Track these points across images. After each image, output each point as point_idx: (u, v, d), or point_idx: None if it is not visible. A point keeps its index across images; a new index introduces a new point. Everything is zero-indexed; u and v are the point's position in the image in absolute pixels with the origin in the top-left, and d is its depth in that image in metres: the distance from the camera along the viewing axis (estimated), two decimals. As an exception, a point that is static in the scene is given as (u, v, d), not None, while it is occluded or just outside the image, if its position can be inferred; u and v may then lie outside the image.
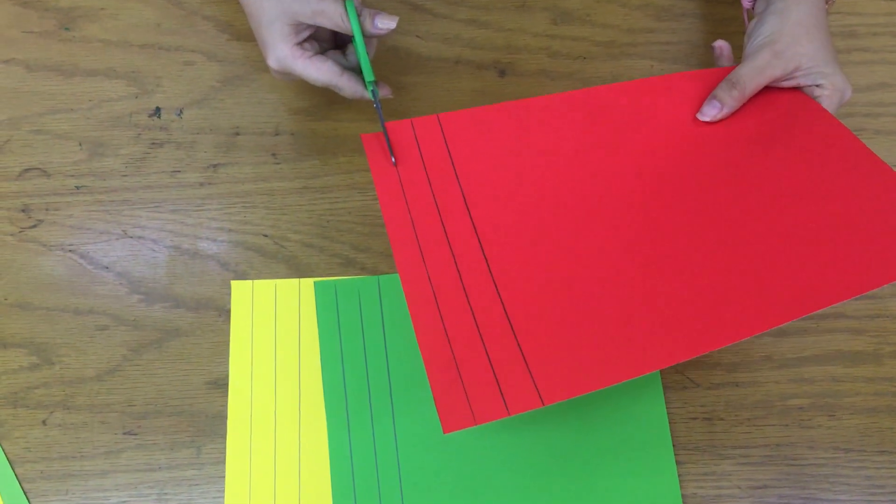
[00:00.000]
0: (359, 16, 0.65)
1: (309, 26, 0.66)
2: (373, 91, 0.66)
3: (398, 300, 0.71)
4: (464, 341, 0.56)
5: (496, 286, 0.59)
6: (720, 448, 0.68)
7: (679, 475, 0.66)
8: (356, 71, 0.68)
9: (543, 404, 0.52)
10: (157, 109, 0.76)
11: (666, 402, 0.68)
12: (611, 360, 0.55)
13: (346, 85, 0.67)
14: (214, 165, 0.74)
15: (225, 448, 0.66)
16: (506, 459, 0.66)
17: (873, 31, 0.81)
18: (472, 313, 0.57)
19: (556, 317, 0.57)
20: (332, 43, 0.71)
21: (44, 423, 0.67)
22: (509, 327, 0.57)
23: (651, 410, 0.68)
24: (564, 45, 0.80)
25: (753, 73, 0.66)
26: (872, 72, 0.80)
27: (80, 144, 0.74)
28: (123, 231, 0.72)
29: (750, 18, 0.73)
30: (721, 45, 0.71)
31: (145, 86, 0.76)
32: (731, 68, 0.68)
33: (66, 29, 0.78)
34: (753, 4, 0.73)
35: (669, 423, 0.68)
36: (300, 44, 0.66)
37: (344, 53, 0.70)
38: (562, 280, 0.59)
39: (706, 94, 0.67)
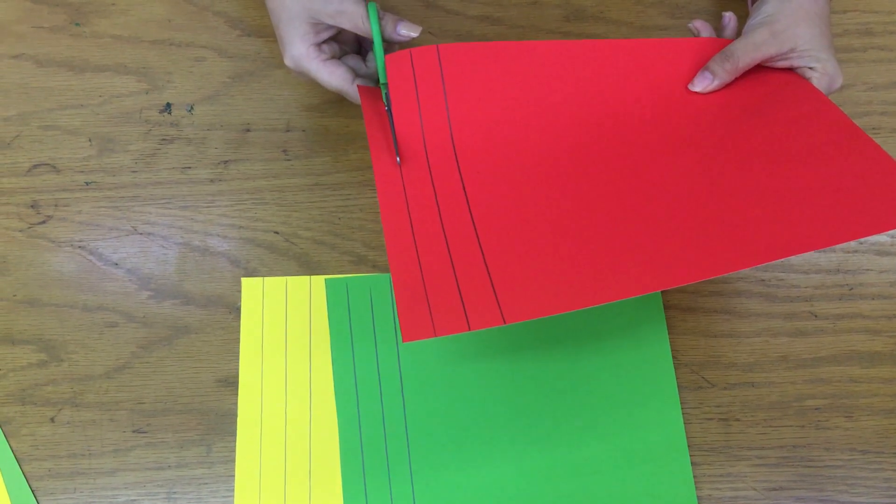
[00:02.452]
0: (380, 20, 0.65)
1: (329, 27, 0.66)
2: (386, 95, 0.65)
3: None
4: (432, 256, 0.57)
5: (469, 207, 0.60)
6: (736, 449, 0.67)
7: (694, 476, 0.66)
8: (372, 80, 0.68)
9: (504, 322, 0.53)
10: (168, 105, 0.75)
11: (681, 403, 0.68)
12: (575, 285, 0.55)
13: (356, 94, 0.66)
14: (225, 162, 0.74)
15: (235, 447, 0.66)
16: (521, 460, 0.65)
17: (889, 30, 0.80)
18: (444, 230, 0.59)
19: (526, 241, 0.58)
20: (354, 47, 0.71)
21: (52, 420, 0.66)
22: (478, 246, 0.58)
23: (666, 411, 0.67)
24: (578, 43, 0.79)
25: (748, 49, 0.66)
26: (888, 70, 0.79)
27: (90, 140, 0.74)
28: (133, 227, 0.72)
29: (753, 2, 0.73)
30: (730, 15, 0.71)
31: (156, 81, 0.76)
32: (729, 41, 0.68)
33: (77, 24, 0.77)
34: None
35: (684, 423, 0.67)
36: (318, 45, 0.66)
37: (364, 60, 0.70)
38: (535, 209, 0.61)
39: (703, 62, 0.67)
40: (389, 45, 0.68)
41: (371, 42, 0.66)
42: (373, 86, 0.68)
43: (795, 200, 0.57)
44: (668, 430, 0.67)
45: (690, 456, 0.66)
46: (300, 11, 0.65)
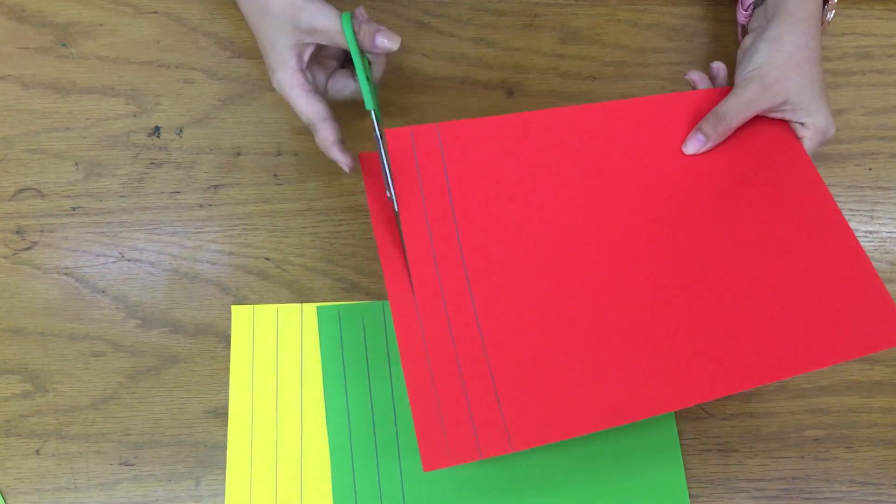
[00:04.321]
0: (357, 32, 0.63)
1: (310, 43, 0.65)
2: (375, 122, 0.63)
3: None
4: (446, 381, 0.58)
5: (479, 324, 0.60)
6: (734, 481, 0.66)
7: (693, 509, 0.65)
8: (339, 128, 0.66)
9: (512, 450, 0.55)
10: (157, 128, 0.74)
11: (679, 434, 0.67)
12: (583, 410, 0.56)
13: (324, 131, 0.65)
14: (215, 186, 0.72)
15: (224, 479, 0.64)
16: (516, 488, 0.64)
17: (888, 53, 0.80)
18: (456, 352, 0.59)
19: (534, 359, 0.59)
20: (340, 61, 0.70)
21: (37, 452, 0.65)
22: (488, 368, 0.58)
23: (664, 442, 0.66)
24: (573, 65, 0.78)
25: (740, 108, 0.66)
26: (887, 94, 0.78)
27: (77, 164, 0.72)
28: (121, 254, 0.70)
29: (744, 34, 0.72)
30: (718, 66, 0.71)
31: (144, 104, 0.74)
32: (725, 90, 0.68)
33: (64, 45, 0.76)
34: (749, 21, 0.72)
35: (683, 455, 0.66)
36: (303, 71, 0.65)
37: (352, 75, 0.69)
38: (544, 321, 0.60)
39: (697, 118, 0.67)
40: (377, 57, 0.67)
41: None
42: (338, 134, 0.66)
43: (787, 320, 0.59)
44: (665, 461, 0.66)
45: (689, 488, 0.65)
46: (279, 36, 0.64)
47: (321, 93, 0.67)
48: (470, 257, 0.62)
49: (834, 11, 0.71)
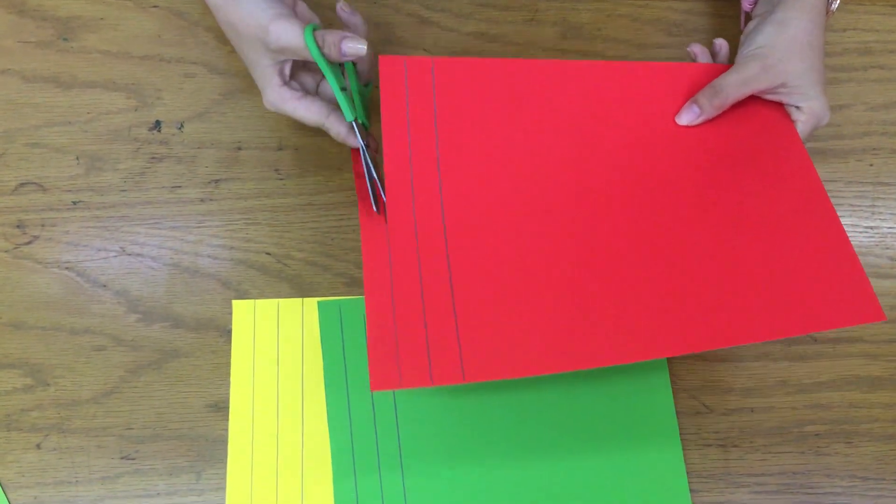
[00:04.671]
0: (322, 45, 0.61)
1: (286, 60, 0.65)
2: (356, 130, 0.64)
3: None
4: (406, 304, 0.58)
5: (448, 253, 0.60)
6: (735, 476, 0.66)
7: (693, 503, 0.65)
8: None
9: (465, 380, 0.55)
10: (158, 123, 0.74)
11: (679, 429, 0.67)
12: (541, 350, 0.57)
13: (333, 125, 0.65)
14: (216, 181, 0.72)
15: (225, 473, 0.64)
16: (517, 485, 0.64)
17: (889, 49, 0.80)
18: (420, 277, 0.59)
19: (499, 298, 0.59)
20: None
21: (38, 446, 0.65)
22: (450, 297, 0.58)
23: (664, 437, 0.66)
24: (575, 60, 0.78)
25: (738, 83, 0.66)
26: (888, 90, 0.78)
27: (78, 158, 0.72)
28: (122, 248, 0.70)
29: (747, 20, 0.72)
30: (721, 42, 0.71)
31: (145, 98, 0.74)
32: (725, 67, 0.68)
33: (65, 39, 0.75)
34: (753, 7, 0.72)
35: (683, 450, 0.66)
36: (288, 83, 0.65)
37: (343, 72, 0.68)
38: (512, 263, 0.61)
39: (694, 90, 0.67)
40: (362, 59, 0.66)
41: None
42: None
43: (769, 287, 0.59)
44: (666, 456, 0.66)
45: (689, 483, 0.65)
46: (257, 57, 0.64)
47: (314, 93, 0.67)
48: (448, 189, 0.62)
49: (839, 1, 0.70)
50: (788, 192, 0.63)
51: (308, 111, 0.65)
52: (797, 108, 0.67)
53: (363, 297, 0.68)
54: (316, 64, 0.64)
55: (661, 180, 0.65)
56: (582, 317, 0.58)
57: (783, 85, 0.66)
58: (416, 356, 0.56)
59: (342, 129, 0.65)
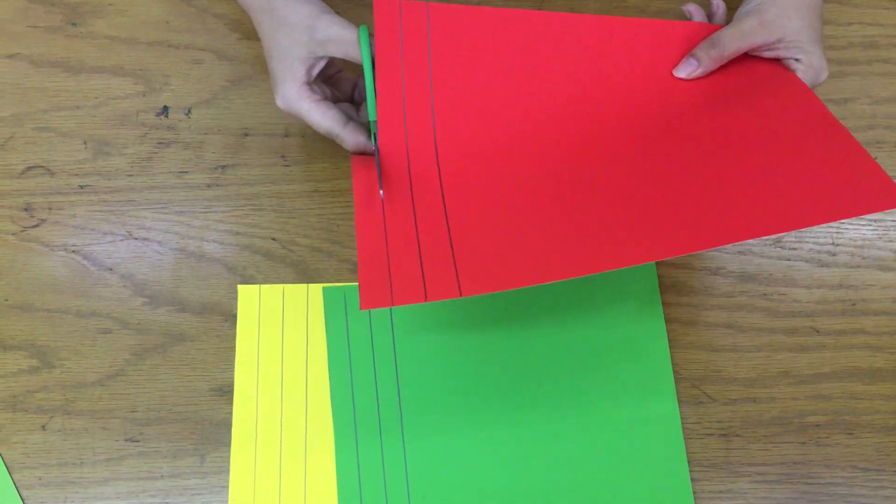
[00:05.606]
0: (372, 46, 0.63)
1: (321, 60, 0.65)
2: (374, 134, 0.64)
3: (408, 308, 0.69)
4: (398, 227, 0.58)
5: (441, 177, 0.61)
6: (736, 465, 0.66)
7: (694, 493, 0.65)
8: (365, 128, 0.67)
9: (461, 295, 0.54)
10: (165, 108, 0.74)
11: (681, 418, 0.67)
12: (534, 263, 0.56)
13: (349, 137, 0.65)
14: (222, 166, 0.73)
15: (229, 457, 0.65)
16: (515, 464, 0.65)
17: (894, 43, 0.80)
18: (413, 201, 0.60)
19: (491, 216, 0.59)
20: (347, 95, 0.70)
21: (43, 428, 0.65)
22: (444, 218, 0.59)
23: (666, 426, 0.67)
24: (581, 51, 0.78)
25: (735, 37, 0.66)
26: (892, 83, 0.78)
27: (85, 143, 0.73)
28: (128, 232, 0.70)
29: None
30: (718, 2, 0.71)
31: (153, 84, 0.75)
32: (720, 26, 0.68)
33: (73, 24, 0.76)
34: None
35: (685, 439, 0.66)
36: (310, 84, 0.65)
37: (357, 110, 0.69)
38: (504, 184, 0.61)
39: (690, 47, 0.67)
40: None
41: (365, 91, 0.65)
42: (364, 130, 0.66)
43: (773, 185, 0.57)
44: (667, 445, 0.66)
45: (690, 472, 0.66)
46: (291, 47, 0.64)
47: (331, 101, 0.67)
48: (441, 127, 0.63)
49: None
50: (791, 112, 0.63)
51: (324, 116, 0.64)
52: (796, 60, 0.67)
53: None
54: (344, 87, 0.68)
55: (657, 119, 0.65)
56: (575, 227, 0.57)
57: (780, 40, 0.66)
58: (408, 271, 0.56)
59: (362, 138, 0.65)
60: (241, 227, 0.71)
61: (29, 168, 0.72)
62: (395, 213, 0.60)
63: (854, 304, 0.71)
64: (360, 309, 0.55)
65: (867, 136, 0.76)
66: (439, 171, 0.62)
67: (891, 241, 0.73)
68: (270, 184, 0.72)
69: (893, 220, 0.74)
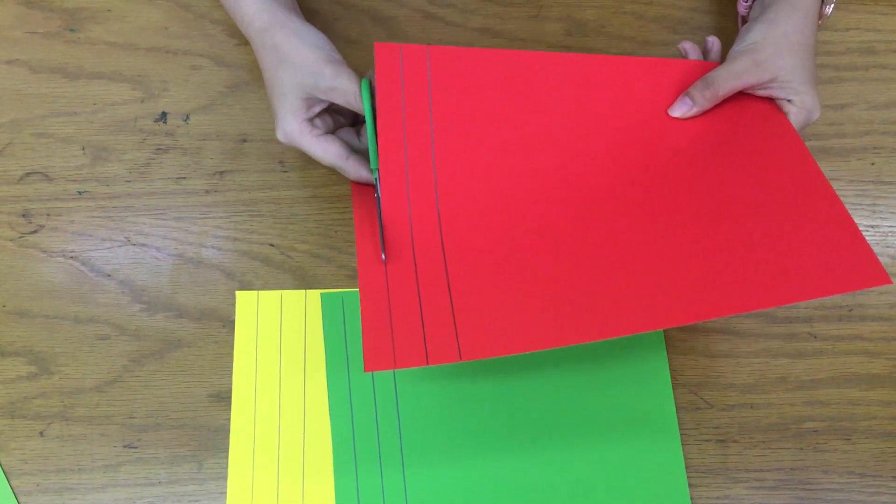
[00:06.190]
0: (374, 97, 0.63)
1: (322, 100, 0.65)
2: (377, 183, 0.65)
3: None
4: (401, 288, 0.59)
5: (442, 238, 0.61)
6: (733, 471, 0.67)
7: (691, 499, 0.65)
8: (365, 153, 0.67)
9: (461, 359, 0.56)
10: (163, 114, 0.74)
11: (679, 424, 0.67)
12: (535, 328, 0.57)
13: (352, 169, 0.66)
14: (221, 172, 0.73)
15: (227, 463, 0.65)
16: (516, 479, 0.65)
17: (891, 48, 0.80)
18: (415, 263, 0.60)
19: (493, 276, 0.60)
20: (349, 119, 0.70)
21: (41, 434, 0.65)
22: (445, 279, 0.59)
23: (663, 432, 0.67)
24: (578, 57, 0.79)
25: (729, 77, 0.66)
26: (890, 89, 0.79)
27: (84, 149, 0.73)
28: (126, 238, 0.71)
29: (744, 24, 0.73)
30: (713, 40, 0.71)
31: (151, 90, 0.75)
32: (715, 64, 0.69)
33: (72, 30, 0.76)
34: (749, 12, 0.73)
35: (682, 444, 0.66)
36: (311, 119, 0.65)
37: (358, 134, 0.69)
38: (505, 242, 0.62)
39: (686, 86, 0.68)
40: None
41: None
42: (366, 162, 0.66)
43: (766, 258, 0.58)
44: (665, 451, 0.66)
45: (688, 478, 0.66)
46: (293, 86, 0.64)
47: (332, 133, 0.67)
48: (442, 176, 0.63)
49: (833, 5, 0.71)
50: (783, 172, 0.63)
51: (325, 151, 0.65)
52: (788, 101, 0.67)
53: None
54: (338, 116, 0.68)
55: (654, 167, 0.65)
56: (576, 293, 0.58)
57: (774, 80, 0.66)
58: (410, 335, 0.57)
59: (362, 172, 0.66)
60: (240, 232, 0.71)
61: (27, 174, 0.72)
62: (397, 276, 0.60)
63: (851, 311, 0.71)
64: (365, 371, 0.57)
65: (864, 142, 0.76)
66: (440, 230, 0.62)
67: (888, 248, 0.74)
68: (269, 189, 0.72)
69: (891, 226, 0.74)
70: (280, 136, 0.66)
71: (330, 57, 0.64)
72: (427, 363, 0.56)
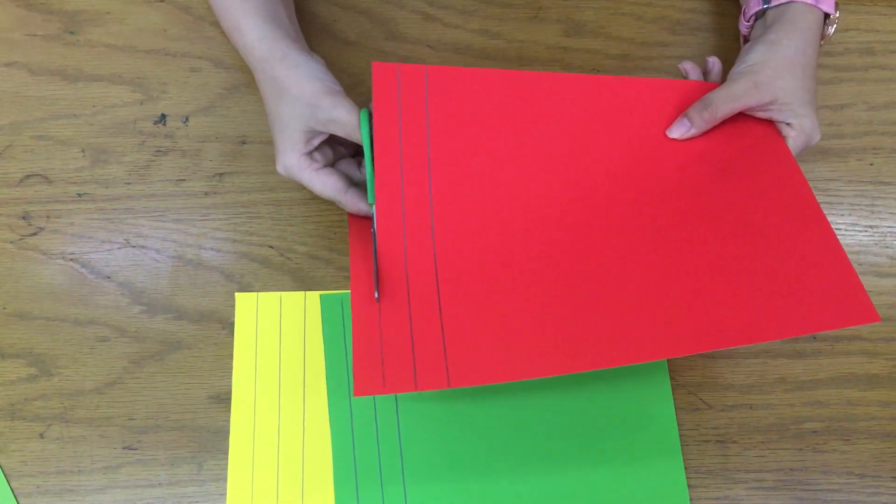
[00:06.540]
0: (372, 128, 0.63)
1: (322, 132, 0.65)
2: (374, 217, 0.64)
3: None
4: (392, 313, 0.59)
5: (436, 263, 0.61)
6: (733, 472, 0.67)
7: (691, 499, 0.65)
8: (364, 185, 0.67)
9: (449, 386, 0.56)
10: (163, 116, 0.74)
11: (678, 425, 0.67)
12: (526, 357, 0.57)
13: (350, 202, 0.66)
14: (220, 174, 0.73)
15: (227, 464, 0.65)
16: (516, 481, 0.65)
17: (890, 49, 0.80)
18: (408, 286, 0.60)
19: (486, 303, 0.60)
20: (351, 150, 0.70)
21: (41, 436, 0.65)
22: (437, 305, 0.60)
23: (663, 432, 0.67)
24: (577, 57, 0.79)
25: (728, 99, 0.66)
26: (889, 90, 0.79)
27: (83, 151, 0.73)
28: (126, 240, 0.71)
29: (745, 43, 0.73)
30: (713, 60, 0.71)
31: (150, 92, 0.75)
32: (715, 84, 0.68)
33: (71, 33, 0.76)
34: (750, 31, 0.72)
35: (681, 445, 0.66)
36: (311, 153, 0.65)
37: (358, 165, 0.69)
38: (500, 268, 0.62)
39: (685, 106, 0.68)
40: None
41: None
42: (365, 195, 0.66)
43: (761, 292, 0.58)
44: (664, 452, 0.66)
45: (687, 478, 0.66)
46: (292, 120, 0.64)
47: (332, 166, 0.67)
48: (438, 197, 0.63)
49: (835, 26, 0.70)
50: (779, 201, 0.63)
51: (324, 185, 0.65)
52: (787, 124, 0.67)
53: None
54: (339, 147, 0.68)
55: (651, 191, 0.65)
56: (568, 322, 0.58)
57: (773, 102, 0.66)
58: (400, 361, 0.57)
59: (361, 205, 0.66)
60: (239, 234, 0.71)
61: (27, 176, 0.72)
62: (390, 313, 0.60)
63: (850, 311, 0.71)
64: (354, 396, 0.58)
65: (863, 143, 0.76)
66: (435, 261, 0.62)
67: (887, 248, 0.74)
68: (268, 191, 0.73)
69: (889, 227, 0.74)
70: (280, 169, 0.66)
71: (329, 88, 0.64)
72: (416, 388, 0.56)
